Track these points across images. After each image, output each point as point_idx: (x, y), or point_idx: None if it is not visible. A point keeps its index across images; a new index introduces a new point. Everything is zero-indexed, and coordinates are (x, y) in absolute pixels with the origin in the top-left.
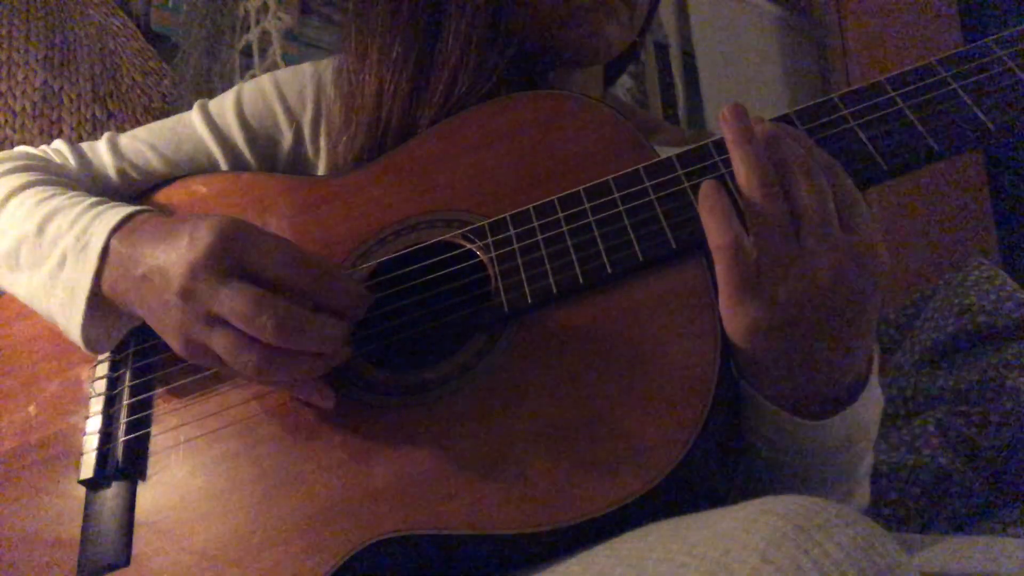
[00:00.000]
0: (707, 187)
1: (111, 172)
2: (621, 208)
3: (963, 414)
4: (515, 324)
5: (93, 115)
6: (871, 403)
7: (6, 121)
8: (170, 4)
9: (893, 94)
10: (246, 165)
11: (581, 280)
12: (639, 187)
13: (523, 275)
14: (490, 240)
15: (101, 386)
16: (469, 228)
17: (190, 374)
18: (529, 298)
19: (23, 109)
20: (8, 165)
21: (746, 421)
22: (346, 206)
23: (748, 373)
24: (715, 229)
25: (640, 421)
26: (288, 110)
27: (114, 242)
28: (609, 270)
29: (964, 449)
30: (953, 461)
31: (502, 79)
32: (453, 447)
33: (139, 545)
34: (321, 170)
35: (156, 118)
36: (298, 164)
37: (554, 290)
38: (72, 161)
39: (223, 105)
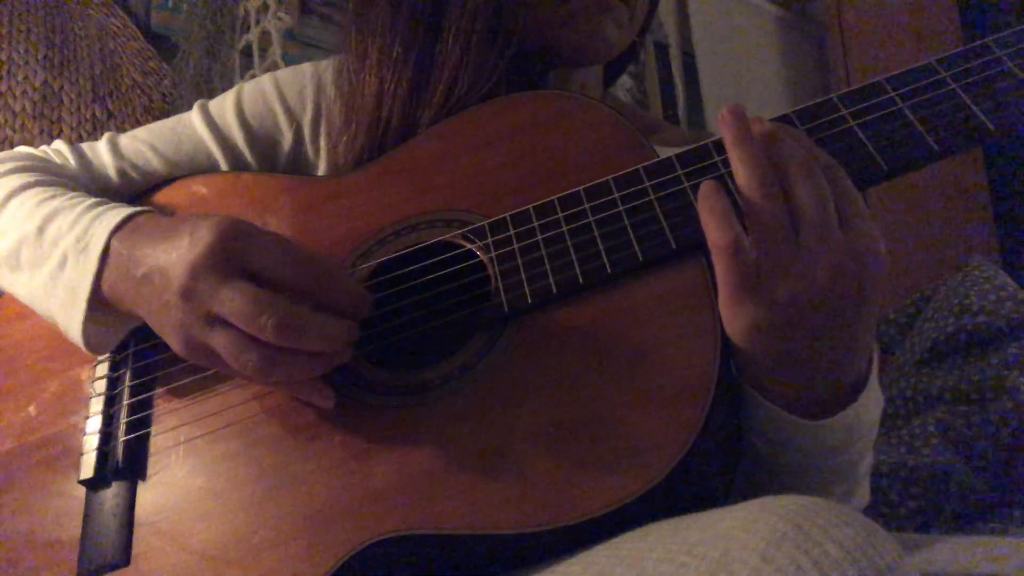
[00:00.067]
0: (706, 187)
1: (111, 172)
2: (621, 208)
3: (963, 414)
4: (515, 324)
5: (93, 115)
6: (871, 403)
7: (6, 121)
8: (170, 4)
9: (893, 94)
10: (246, 165)
11: (581, 280)
12: (639, 187)
13: (523, 275)
14: (490, 240)
15: (101, 386)
16: (469, 228)
17: (190, 374)
18: (529, 298)
19: (23, 109)
20: (8, 165)
21: (746, 421)
22: (346, 206)
23: (748, 373)
24: (715, 229)
25: (640, 421)
26: (288, 110)
27: (114, 243)
28: (609, 270)
29: (964, 449)
30: (953, 461)
31: (502, 79)
32: (453, 447)
33: (139, 545)
34: (321, 170)
35: (156, 118)
36: (298, 164)
37: (554, 290)
38: (72, 161)
39: (223, 105)
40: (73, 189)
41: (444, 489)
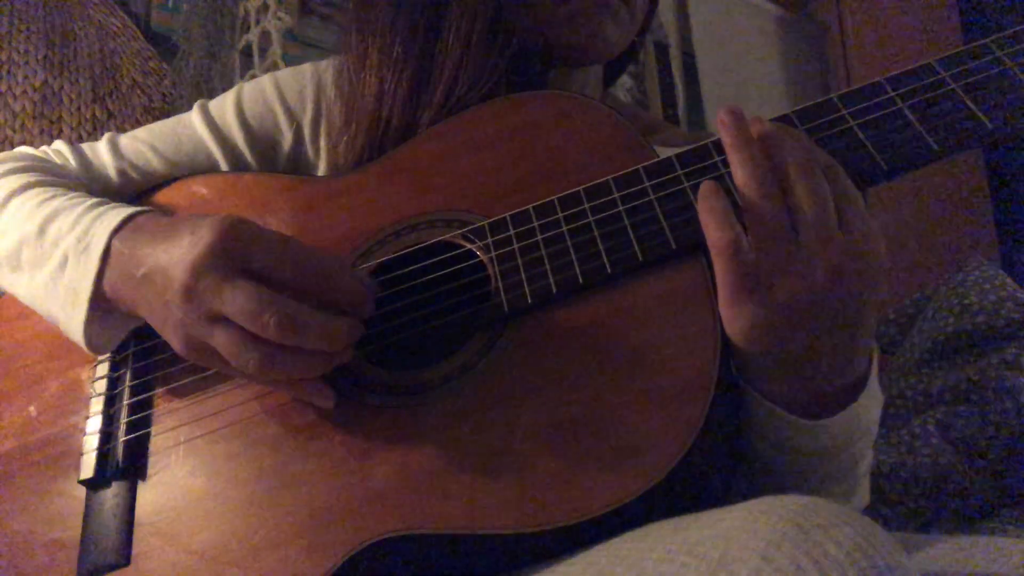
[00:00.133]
0: (706, 187)
1: (111, 173)
2: (621, 208)
3: (963, 414)
4: (515, 324)
5: (93, 115)
6: (871, 403)
7: (6, 121)
8: (170, 4)
9: (893, 94)
10: (246, 165)
11: (581, 280)
12: (639, 187)
13: (523, 275)
14: (490, 240)
15: (101, 386)
16: (469, 228)
17: (190, 374)
18: (529, 298)
19: (23, 109)
20: (9, 166)
21: (746, 421)
22: (346, 206)
23: (748, 373)
24: (714, 230)
25: (640, 421)
26: (288, 111)
27: (115, 243)
28: (609, 270)
29: (964, 449)
30: (953, 461)
31: (502, 79)
32: (453, 447)
33: (139, 545)
34: (321, 170)
35: (156, 118)
36: (298, 164)
37: (554, 290)
38: (72, 162)
39: (223, 105)
40: (73, 189)
41: (444, 489)
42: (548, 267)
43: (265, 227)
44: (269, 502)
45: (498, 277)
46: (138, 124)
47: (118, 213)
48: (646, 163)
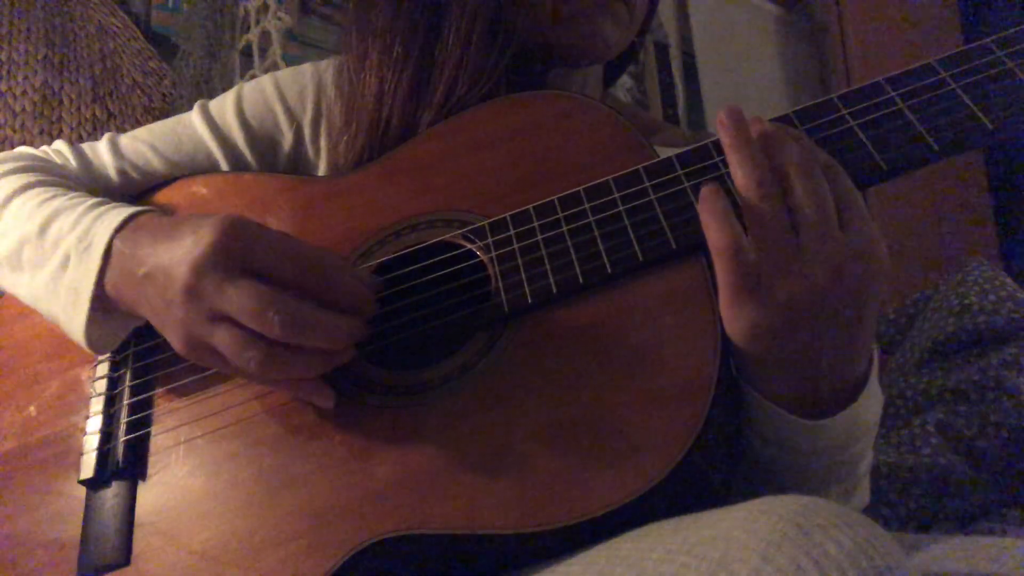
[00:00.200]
0: (707, 190)
1: (111, 172)
2: (621, 208)
3: (963, 414)
4: (515, 324)
5: (93, 115)
6: (871, 403)
7: (6, 121)
8: (170, 4)
9: (893, 94)
10: (246, 165)
11: (581, 280)
12: (639, 187)
13: (523, 275)
14: (490, 240)
15: (101, 386)
16: (469, 228)
17: (191, 374)
18: (529, 298)
19: (23, 109)
20: (9, 166)
21: (746, 421)
22: (346, 206)
23: (748, 373)
24: (715, 230)
25: (640, 421)
26: (288, 111)
27: (116, 242)
28: (609, 270)
29: (964, 449)
30: (953, 461)
31: (502, 79)
32: (453, 447)
33: (139, 545)
34: (321, 170)
35: (156, 118)
36: (298, 164)
37: (554, 290)
38: (73, 162)
39: (223, 105)
40: (74, 189)
41: (444, 489)
42: (548, 267)
43: (266, 226)
44: (269, 502)
45: (498, 277)
46: (138, 124)
47: (119, 213)
48: (646, 163)
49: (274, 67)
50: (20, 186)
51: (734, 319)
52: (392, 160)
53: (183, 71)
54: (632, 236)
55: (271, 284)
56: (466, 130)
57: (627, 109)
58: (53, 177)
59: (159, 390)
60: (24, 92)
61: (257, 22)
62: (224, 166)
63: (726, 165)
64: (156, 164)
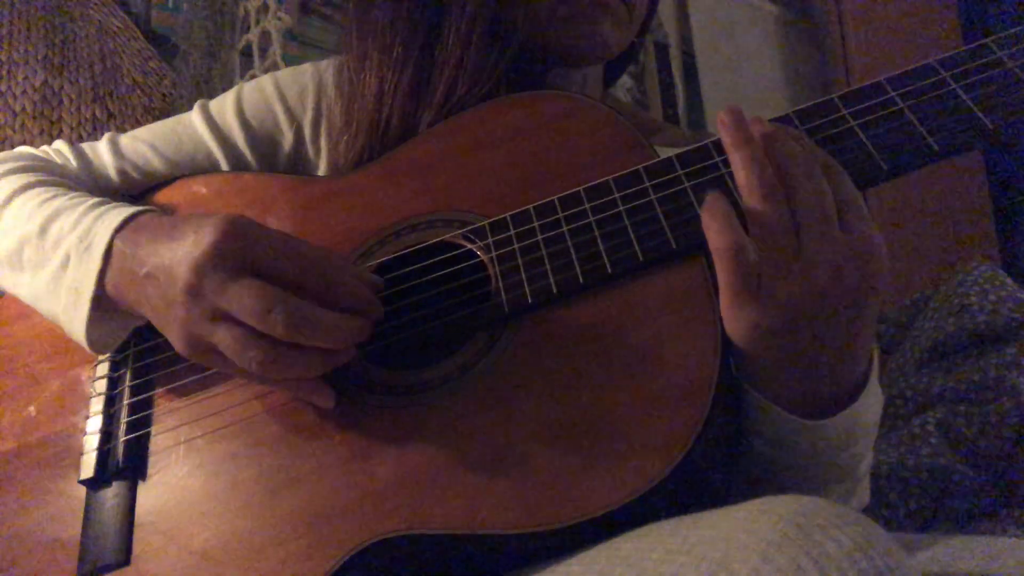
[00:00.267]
0: (711, 196)
1: (112, 172)
2: (621, 208)
3: (963, 414)
4: (515, 324)
5: (93, 115)
6: (871, 403)
7: (6, 121)
8: (170, 4)
9: (893, 94)
10: (246, 165)
11: (581, 280)
12: (639, 187)
13: (523, 275)
14: (490, 240)
15: (101, 386)
16: (469, 228)
17: (191, 374)
18: (529, 298)
19: (23, 109)
20: (9, 165)
21: (746, 421)
22: (346, 206)
23: (749, 373)
24: (715, 232)
25: (640, 421)
26: (288, 110)
27: (117, 242)
28: (609, 270)
29: (964, 449)
30: (953, 461)
31: (502, 79)
32: (453, 447)
33: (139, 545)
34: (322, 170)
35: (156, 118)
36: (299, 164)
37: (554, 290)
38: (73, 161)
39: (223, 105)
40: (74, 189)
41: (444, 489)
42: (548, 267)
43: (267, 226)
44: (269, 502)
45: (498, 277)
46: (138, 124)
47: (120, 212)
48: (646, 163)
49: (274, 67)
50: (20, 186)
51: (734, 319)
52: (392, 160)
53: (183, 71)
54: (632, 236)
55: (272, 283)
56: (466, 130)
57: (627, 109)
58: (53, 177)
59: (159, 390)
60: (24, 92)
61: (257, 22)
62: (224, 166)
63: (726, 165)
64: (156, 164)
